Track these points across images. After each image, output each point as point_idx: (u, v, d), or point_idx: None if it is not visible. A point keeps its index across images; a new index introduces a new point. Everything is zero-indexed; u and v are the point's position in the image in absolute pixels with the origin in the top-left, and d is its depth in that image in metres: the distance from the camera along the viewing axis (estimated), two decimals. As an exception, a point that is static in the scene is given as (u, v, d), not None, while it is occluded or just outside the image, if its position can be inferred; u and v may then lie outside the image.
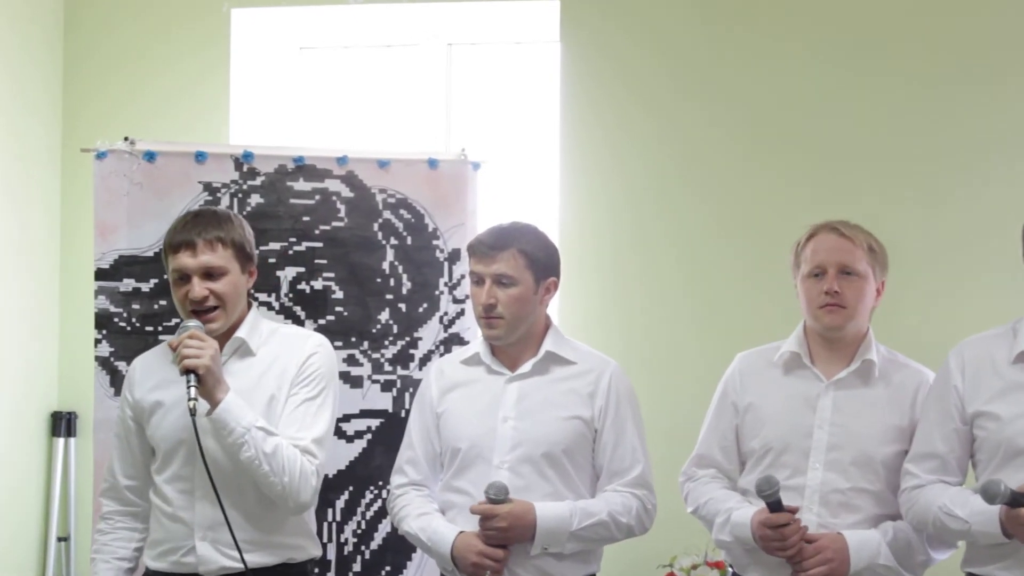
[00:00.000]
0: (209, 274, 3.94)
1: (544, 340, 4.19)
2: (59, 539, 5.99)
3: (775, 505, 3.93)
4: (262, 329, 4.10)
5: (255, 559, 3.94)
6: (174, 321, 4.75)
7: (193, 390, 3.78)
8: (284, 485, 3.87)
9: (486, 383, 4.19)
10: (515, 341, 4.16)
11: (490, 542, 4.01)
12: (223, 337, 4.00)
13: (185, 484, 3.96)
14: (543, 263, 4.15)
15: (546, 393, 4.14)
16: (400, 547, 4.80)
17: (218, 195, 4.85)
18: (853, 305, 4.07)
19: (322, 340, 4.14)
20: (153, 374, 4.09)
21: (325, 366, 4.06)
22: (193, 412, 3.76)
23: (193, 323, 3.90)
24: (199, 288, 3.92)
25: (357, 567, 4.92)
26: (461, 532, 4.07)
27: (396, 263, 4.99)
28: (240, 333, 4.03)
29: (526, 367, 4.16)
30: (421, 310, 5.01)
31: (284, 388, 4.01)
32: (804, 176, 5.46)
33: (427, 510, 4.18)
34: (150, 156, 4.80)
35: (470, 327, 4.96)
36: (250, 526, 3.94)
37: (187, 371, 3.80)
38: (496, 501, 3.98)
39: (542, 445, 4.08)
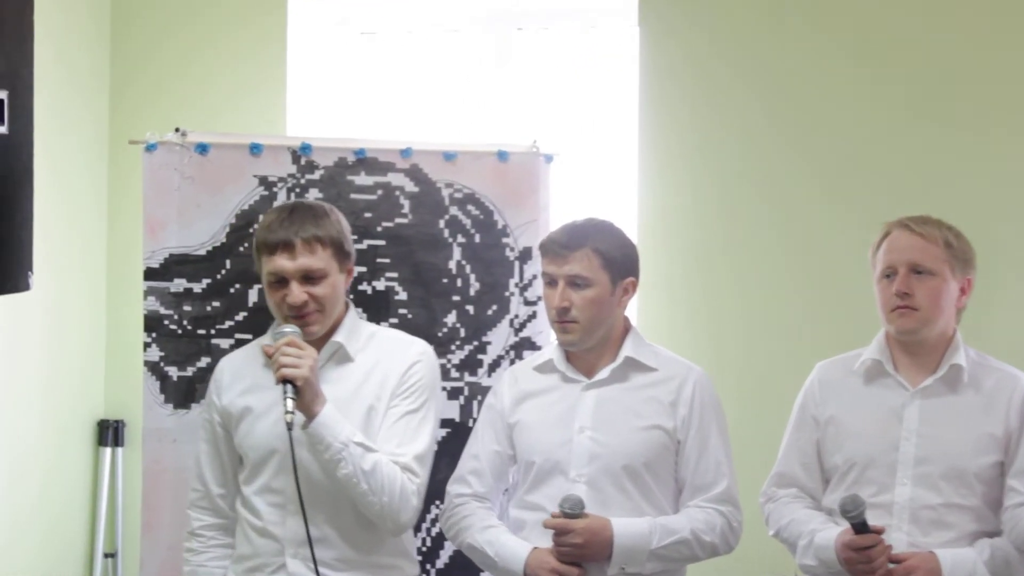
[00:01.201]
0: (308, 277, 3.92)
1: (623, 345, 4.18)
2: (106, 555, 6.05)
3: (860, 526, 3.92)
4: (361, 332, 4.09)
5: None
6: (227, 324, 4.82)
7: (290, 402, 3.76)
8: (383, 505, 3.87)
9: (561, 391, 4.18)
10: (592, 346, 4.15)
11: (564, 559, 4.00)
12: (319, 341, 3.99)
13: (277, 497, 3.97)
14: (620, 263, 4.14)
15: (625, 402, 4.13)
16: (468, 565, 4.78)
17: (274, 190, 4.87)
18: (927, 307, 4.03)
19: (425, 348, 4.13)
20: (242, 377, 4.09)
21: (428, 376, 4.06)
22: (290, 426, 3.75)
23: (290, 328, 3.88)
24: (298, 293, 3.90)
25: (423, 587, 4.95)
26: (535, 548, 4.06)
27: (463, 262, 4.98)
28: (338, 337, 4.02)
29: (604, 374, 4.15)
30: (490, 313, 5.00)
31: (384, 399, 4.00)
32: (896, 175, 5.42)
33: (493, 523, 4.19)
34: (202, 148, 4.83)
35: (542, 331, 4.96)
36: (346, 544, 3.95)
37: (284, 380, 3.79)
38: (571, 515, 3.97)
39: (621, 457, 4.08)
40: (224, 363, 4.21)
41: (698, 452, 4.12)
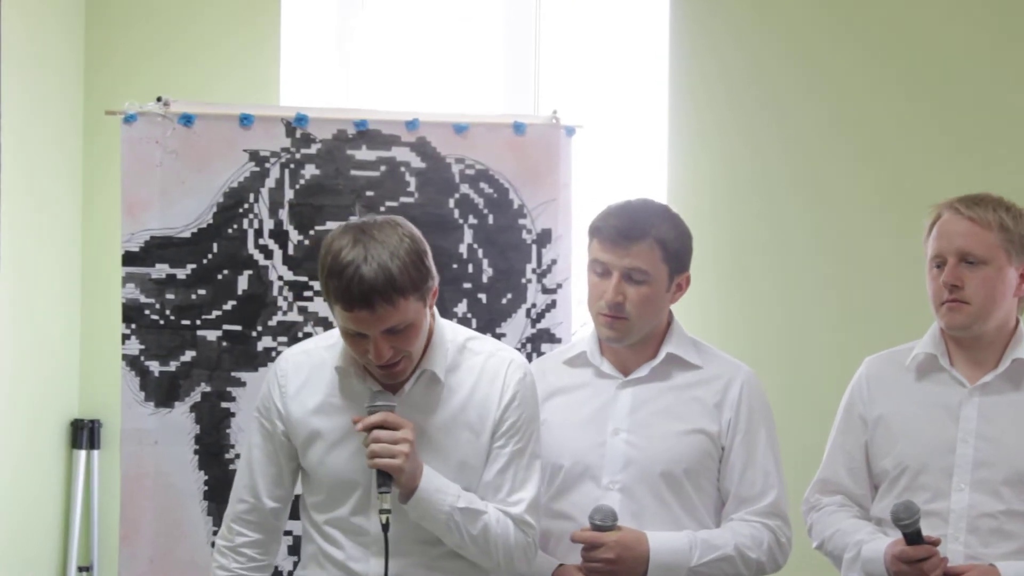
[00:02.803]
0: (392, 331, 3.73)
1: (664, 340, 4.13)
2: (80, 569, 6.06)
3: (913, 536, 3.85)
4: (447, 348, 3.90)
5: None
6: (214, 313, 4.89)
7: (387, 498, 3.67)
8: (498, 562, 3.80)
9: (594, 388, 4.13)
10: (633, 342, 4.09)
11: (593, 576, 3.99)
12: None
13: (361, 537, 3.85)
14: (679, 256, 4.08)
15: (665, 402, 4.08)
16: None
17: (266, 165, 4.86)
18: (979, 300, 3.97)
19: (524, 370, 3.94)
20: (310, 389, 3.91)
21: (531, 407, 3.91)
22: (386, 528, 3.66)
23: (382, 402, 3.74)
24: (384, 349, 3.70)
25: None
26: (561, 565, 4.01)
27: (475, 246, 4.97)
28: (428, 365, 3.85)
29: (642, 371, 4.09)
30: (504, 301, 4.99)
31: (484, 435, 3.85)
32: (949, 152, 5.44)
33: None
34: (187, 120, 4.82)
35: (562, 322, 4.98)
36: None
37: (377, 468, 3.70)
38: (602, 528, 3.91)
39: (659, 463, 4.03)
40: (287, 364, 3.97)
41: (744, 460, 4.08)
